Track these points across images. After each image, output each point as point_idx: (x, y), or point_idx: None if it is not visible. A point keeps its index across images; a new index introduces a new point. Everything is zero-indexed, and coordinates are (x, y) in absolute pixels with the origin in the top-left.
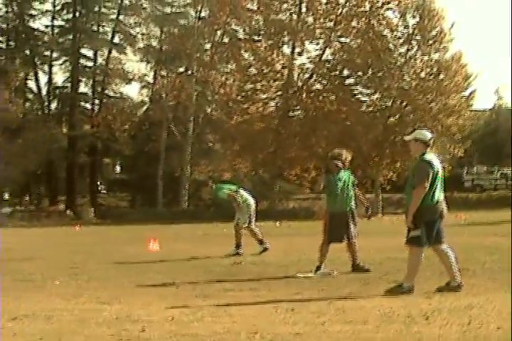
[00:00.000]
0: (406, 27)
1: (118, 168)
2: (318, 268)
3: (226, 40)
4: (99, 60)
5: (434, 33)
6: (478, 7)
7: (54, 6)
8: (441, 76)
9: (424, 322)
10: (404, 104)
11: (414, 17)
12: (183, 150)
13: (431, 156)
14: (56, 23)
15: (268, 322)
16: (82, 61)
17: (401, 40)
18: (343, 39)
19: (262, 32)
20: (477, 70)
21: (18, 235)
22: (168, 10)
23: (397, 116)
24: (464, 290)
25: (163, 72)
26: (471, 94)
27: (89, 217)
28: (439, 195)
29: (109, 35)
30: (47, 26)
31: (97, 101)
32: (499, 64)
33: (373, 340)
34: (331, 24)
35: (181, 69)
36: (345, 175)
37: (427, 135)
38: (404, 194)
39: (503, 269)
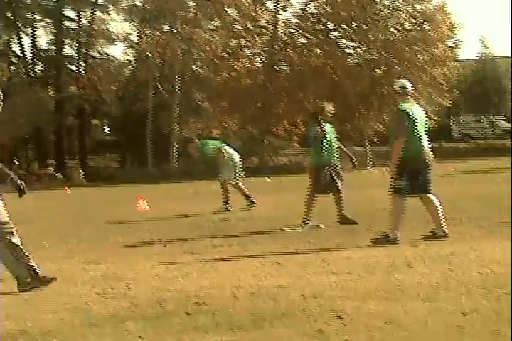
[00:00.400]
0: None
1: (106, 129)
2: (304, 221)
3: None
4: (83, 21)
5: None
6: None
7: None
8: (426, 26)
9: (407, 270)
10: (390, 55)
11: None
12: (171, 109)
13: (407, 105)
14: None
15: (253, 276)
16: (66, 23)
17: None
18: None
19: None
20: (461, 20)
21: (8, 199)
22: None
23: (384, 68)
24: (449, 238)
25: (148, 31)
26: (456, 44)
27: (80, 179)
28: (423, 143)
29: None
30: None
31: (82, 63)
32: (483, 13)
33: (356, 289)
34: None
35: (166, 28)
36: (328, 127)
37: (402, 85)
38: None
39: (488, 217)
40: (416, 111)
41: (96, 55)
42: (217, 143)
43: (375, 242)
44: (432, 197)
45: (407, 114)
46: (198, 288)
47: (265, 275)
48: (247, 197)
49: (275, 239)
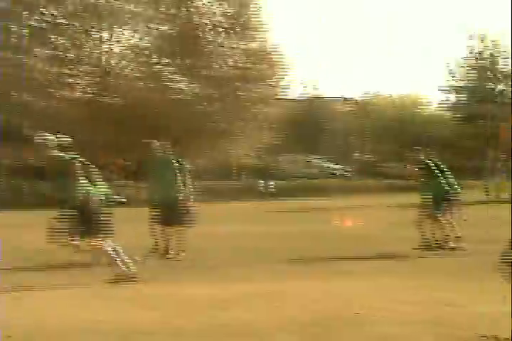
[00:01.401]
0: (214, 14)
1: None
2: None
3: (35, 23)
4: None
5: (242, 21)
6: None
7: None
8: (249, 65)
9: (225, 306)
10: (212, 91)
11: (221, 5)
12: None
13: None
14: None
15: (81, 309)
16: None
17: (210, 27)
18: (152, 24)
19: (70, 16)
20: (289, 60)
21: None
22: None
23: (206, 104)
24: (268, 276)
25: None
26: (278, 83)
27: None
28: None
29: None
30: None
31: None
32: (308, 53)
33: (174, 325)
34: (141, 9)
35: None
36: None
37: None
38: None
39: (307, 256)
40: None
41: None
42: None
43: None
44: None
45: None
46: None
47: (88, 310)
48: None
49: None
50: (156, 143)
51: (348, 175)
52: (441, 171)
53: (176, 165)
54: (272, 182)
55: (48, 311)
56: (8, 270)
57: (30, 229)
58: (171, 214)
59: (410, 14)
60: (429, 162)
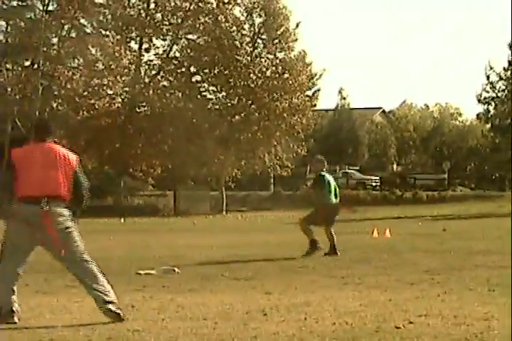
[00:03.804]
0: (252, 25)
1: None
2: None
3: (73, 34)
4: None
5: (279, 32)
6: (324, 7)
7: None
8: (286, 75)
9: (262, 319)
10: (249, 102)
11: (260, 16)
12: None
13: None
14: None
15: (107, 319)
16: None
17: (247, 39)
18: (190, 36)
19: (109, 27)
20: (321, 70)
21: None
22: (14, 3)
23: (243, 114)
24: (302, 287)
25: (9, 66)
26: (314, 93)
27: None
28: None
29: None
30: None
31: None
32: (343, 64)
33: (211, 336)
34: (179, 20)
35: (27, 63)
36: None
37: None
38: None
39: (339, 266)
40: None
41: None
42: None
43: None
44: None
45: None
46: (52, 330)
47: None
48: None
49: (130, 282)
50: None
51: (381, 185)
52: (329, 183)
53: None
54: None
55: (75, 320)
56: None
57: None
58: None
59: (450, 23)
60: (324, 173)
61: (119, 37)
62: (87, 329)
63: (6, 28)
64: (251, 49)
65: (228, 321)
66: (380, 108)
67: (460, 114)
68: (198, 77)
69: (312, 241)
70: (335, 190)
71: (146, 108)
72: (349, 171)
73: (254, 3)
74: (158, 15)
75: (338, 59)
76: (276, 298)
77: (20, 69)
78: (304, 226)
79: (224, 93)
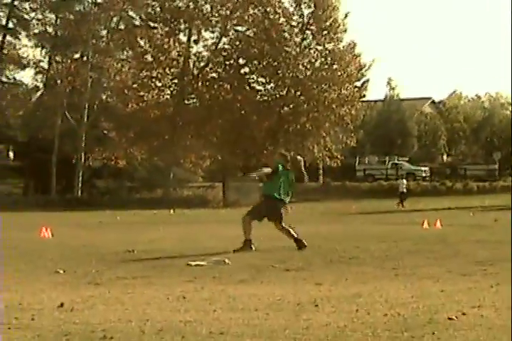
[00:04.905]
0: (301, 16)
1: (11, 155)
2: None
3: (122, 26)
4: None
5: (328, 23)
6: None
7: None
8: (335, 66)
9: (313, 310)
10: (298, 93)
11: (309, 7)
12: (78, 137)
13: None
14: None
15: (159, 310)
16: None
17: (296, 30)
18: (239, 28)
19: (158, 19)
20: (370, 61)
21: None
22: None
23: (291, 106)
24: (353, 278)
25: (58, 58)
26: (363, 84)
27: None
28: None
29: (3, 20)
30: None
31: None
32: (392, 54)
33: (262, 327)
34: (227, 12)
35: (77, 56)
36: None
37: None
38: None
39: (390, 257)
40: None
41: (4, 79)
42: None
43: None
44: None
45: None
46: (104, 321)
47: (171, 310)
48: None
49: (181, 273)
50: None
51: (431, 176)
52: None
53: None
54: (404, 181)
55: (127, 312)
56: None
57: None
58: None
59: (500, 11)
60: (280, 168)
61: (167, 29)
62: (139, 321)
63: (56, 20)
64: (300, 40)
65: (279, 312)
66: (430, 98)
67: (511, 104)
68: (246, 69)
69: (246, 241)
70: (284, 187)
71: (195, 100)
72: (398, 162)
73: None
74: (207, 6)
75: (386, 49)
76: (327, 289)
77: (69, 61)
78: (245, 222)
79: (272, 84)
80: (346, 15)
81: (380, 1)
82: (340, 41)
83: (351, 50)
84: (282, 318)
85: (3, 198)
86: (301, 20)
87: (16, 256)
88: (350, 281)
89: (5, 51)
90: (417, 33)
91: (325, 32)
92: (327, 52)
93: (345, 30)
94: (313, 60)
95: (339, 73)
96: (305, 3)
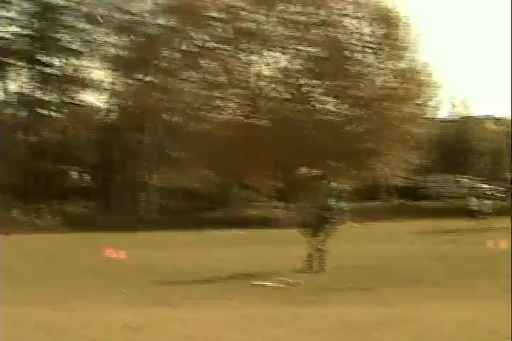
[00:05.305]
0: (370, 35)
1: (80, 175)
2: None
3: (185, 47)
4: (62, 67)
5: (393, 40)
6: (444, 16)
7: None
8: (404, 85)
9: (381, 330)
10: (367, 112)
11: (379, 26)
12: (146, 158)
13: None
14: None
15: (226, 331)
16: (42, 68)
17: (363, 48)
18: (301, 46)
19: (222, 39)
20: (438, 78)
21: None
22: (127, 17)
23: (359, 125)
24: (422, 298)
25: (129, 80)
26: (429, 101)
27: (52, 225)
28: None
29: (70, 42)
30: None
31: (57, 108)
32: (462, 74)
33: None
34: (292, 32)
35: (143, 77)
36: None
37: None
38: None
39: (457, 277)
40: None
41: (73, 100)
42: None
43: None
44: None
45: None
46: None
47: (238, 331)
48: None
49: (246, 293)
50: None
51: (500, 195)
52: None
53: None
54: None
55: (195, 332)
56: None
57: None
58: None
59: None
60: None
61: (230, 49)
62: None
63: (123, 42)
64: (367, 59)
65: (346, 331)
66: (493, 115)
67: None
68: (312, 89)
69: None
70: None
71: (263, 120)
72: (461, 180)
73: (374, 13)
74: (278, 28)
75: (445, 67)
76: (394, 309)
77: (138, 83)
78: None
79: (339, 104)
80: (410, 33)
81: (451, 20)
82: (404, 59)
83: (415, 67)
84: (353, 337)
85: (75, 218)
86: (363, 38)
87: (88, 276)
88: (419, 301)
89: (72, 73)
90: (484, 50)
91: (387, 50)
92: (389, 70)
93: (409, 48)
94: (375, 78)
95: (401, 91)
96: (376, 22)
